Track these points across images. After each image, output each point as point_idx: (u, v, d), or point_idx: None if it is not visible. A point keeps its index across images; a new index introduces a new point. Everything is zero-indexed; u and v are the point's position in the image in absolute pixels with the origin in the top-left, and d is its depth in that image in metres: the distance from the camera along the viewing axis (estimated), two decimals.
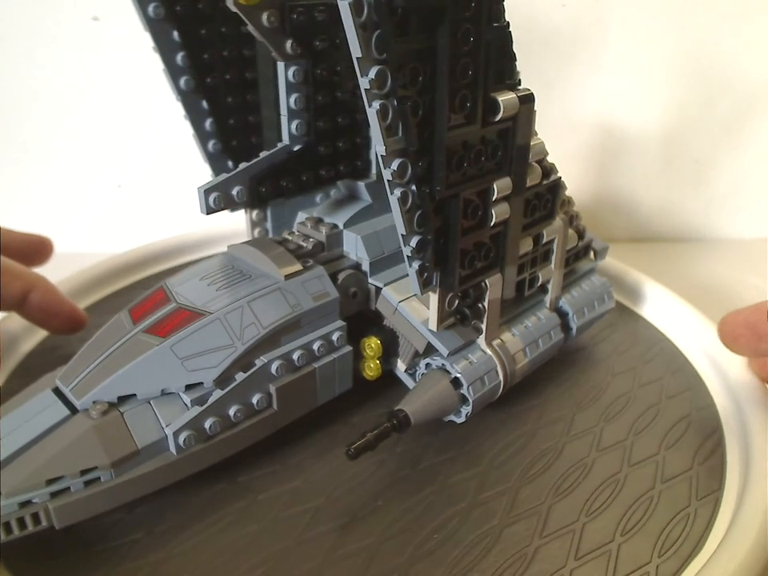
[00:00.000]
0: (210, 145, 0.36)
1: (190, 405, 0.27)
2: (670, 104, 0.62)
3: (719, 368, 0.39)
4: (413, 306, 0.33)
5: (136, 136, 0.62)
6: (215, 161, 0.36)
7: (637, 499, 0.30)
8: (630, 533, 0.28)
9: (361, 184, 0.35)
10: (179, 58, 0.33)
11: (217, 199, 0.29)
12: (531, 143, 0.30)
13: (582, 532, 0.28)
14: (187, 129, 0.36)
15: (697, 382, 0.39)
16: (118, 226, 0.65)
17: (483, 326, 0.32)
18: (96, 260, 0.50)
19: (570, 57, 0.60)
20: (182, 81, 0.33)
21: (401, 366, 0.35)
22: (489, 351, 0.33)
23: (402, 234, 0.27)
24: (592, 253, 0.41)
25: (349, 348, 0.33)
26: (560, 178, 0.33)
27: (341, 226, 0.34)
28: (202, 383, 0.28)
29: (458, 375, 0.31)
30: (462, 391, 0.31)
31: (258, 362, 0.29)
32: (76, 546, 0.27)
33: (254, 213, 0.38)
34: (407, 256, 0.28)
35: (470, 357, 0.32)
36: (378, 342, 0.33)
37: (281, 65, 0.30)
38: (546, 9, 0.58)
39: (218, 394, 0.27)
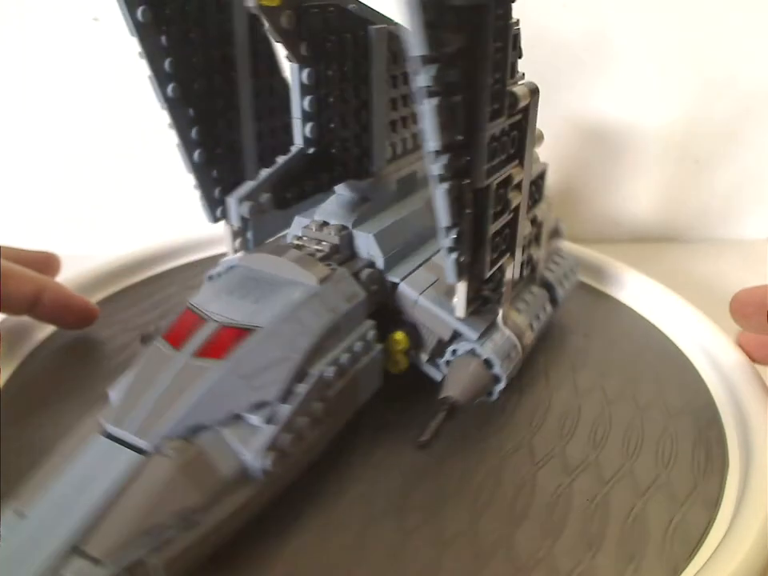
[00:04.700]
0: (196, 154, 0.34)
1: (260, 425, 0.26)
2: (670, 104, 0.61)
3: (721, 369, 0.38)
4: (432, 297, 0.34)
5: (135, 135, 0.61)
6: (200, 170, 0.34)
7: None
8: None
9: (361, 183, 0.35)
10: (167, 64, 0.30)
11: (251, 208, 0.28)
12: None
13: None
14: None
15: (698, 384, 0.38)
16: (116, 226, 0.65)
17: (500, 308, 0.34)
18: (95, 261, 0.49)
19: (570, 57, 0.59)
20: (170, 88, 0.31)
21: (423, 358, 0.35)
22: (507, 331, 0.35)
23: (445, 227, 0.28)
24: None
25: (380, 346, 0.33)
26: (546, 164, 0.36)
27: (350, 227, 0.34)
28: (267, 400, 0.26)
29: (490, 356, 0.33)
30: (494, 371, 0.33)
31: (316, 371, 0.28)
32: None
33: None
34: (448, 248, 0.29)
35: (494, 338, 0.34)
36: (404, 334, 0.34)
37: (294, 67, 0.29)
38: (546, 8, 0.57)
39: (286, 409, 0.26)
